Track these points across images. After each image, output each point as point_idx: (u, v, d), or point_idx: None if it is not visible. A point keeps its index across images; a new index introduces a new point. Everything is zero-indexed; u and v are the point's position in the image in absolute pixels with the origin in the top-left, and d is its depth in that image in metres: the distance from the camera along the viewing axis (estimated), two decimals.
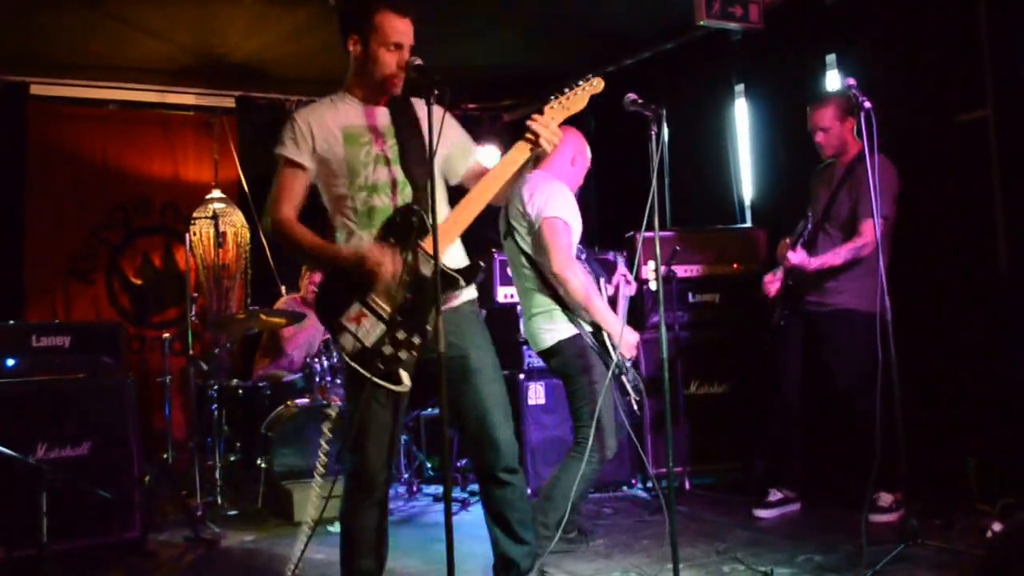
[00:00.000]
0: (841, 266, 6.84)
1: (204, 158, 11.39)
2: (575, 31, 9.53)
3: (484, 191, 4.47)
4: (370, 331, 4.28)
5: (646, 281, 8.20)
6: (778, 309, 7.26)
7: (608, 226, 10.48)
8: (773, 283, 7.30)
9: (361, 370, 4.25)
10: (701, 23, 8.43)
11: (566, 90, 4.62)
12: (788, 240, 7.14)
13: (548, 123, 4.49)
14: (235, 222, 10.80)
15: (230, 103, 11.42)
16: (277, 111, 11.27)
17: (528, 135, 4.47)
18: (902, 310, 6.06)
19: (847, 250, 6.82)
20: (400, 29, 4.43)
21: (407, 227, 4.35)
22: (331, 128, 4.47)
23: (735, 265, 8.59)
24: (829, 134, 7.12)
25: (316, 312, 4.56)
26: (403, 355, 4.26)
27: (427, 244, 4.27)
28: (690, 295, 8.49)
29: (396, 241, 4.35)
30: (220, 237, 10.06)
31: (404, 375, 4.27)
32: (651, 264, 8.03)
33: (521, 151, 4.48)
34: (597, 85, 4.72)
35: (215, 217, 9.84)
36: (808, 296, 7.10)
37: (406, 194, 4.44)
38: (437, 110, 4.35)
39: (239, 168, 11.33)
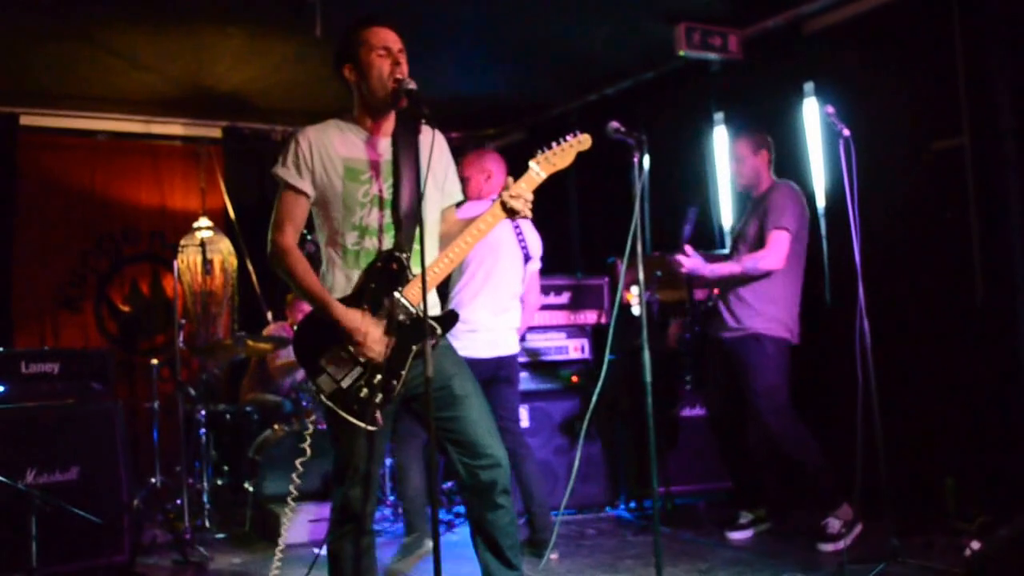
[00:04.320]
0: (741, 277, 6.89)
1: (191, 187, 11.44)
2: (558, 61, 9.55)
3: (459, 251, 4.45)
4: (348, 373, 4.29)
5: (628, 306, 8.18)
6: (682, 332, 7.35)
7: (589, 252, 10.51)
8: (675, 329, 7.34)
9: (337, 410, 4.27)
10: (681, 54, 8.48)
11: (553, 144, 4.53)
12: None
13: (521, 193, 4.42)
14: (222, 250, 10.81)
15: (217, 133, 11.48)
16: (263, 141, 11.42)
17: (505, 208, 4.42)
18: (881, 334, 6.06)
19: (748, 259, 6.86)
20: (385, 36, 4.44)
21: (388, 274, 4.37)
22: (334, 159, 4.41)
23: (715, 290, 8.55)
24: (742, 164, 7.17)
25: (295, 351, 4.54)
26: (378, 398, 4.28)
27: (407, 291, 4.33)
28: (668, 318, 8.45)
29: (377, 287, 4.36)
30: (207, 264, 10.02)
31: (378, 415, 4.28)
32: (634, 289, 8.02)
33: (496, 218, 4.44)
34: (584, 142, 4.57)
35: (203, 245, 9.81)
36: (722, 328, 7.10)
37: (393, 238, 4.44)
38: (440, 141, 4.52)
39: (226, 196, 11.35)
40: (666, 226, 8.91)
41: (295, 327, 5.05)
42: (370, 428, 4.27)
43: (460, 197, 4.86)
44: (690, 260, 6.98)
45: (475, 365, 5.37)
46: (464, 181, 6.34)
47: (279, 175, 4.45)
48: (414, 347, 4.31)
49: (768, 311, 6.82)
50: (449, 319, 4.45)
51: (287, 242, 4.42)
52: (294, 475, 4.84)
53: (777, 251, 6.74)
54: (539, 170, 4.48)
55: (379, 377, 4.29)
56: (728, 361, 7.06)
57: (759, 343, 6.82)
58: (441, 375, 4.41)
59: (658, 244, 8.47)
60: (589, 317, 8.49)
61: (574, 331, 8.47)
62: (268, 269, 4.55)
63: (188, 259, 10.58)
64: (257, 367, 9.60)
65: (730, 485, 7.63)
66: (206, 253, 9.82)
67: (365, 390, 4.28)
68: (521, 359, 8.13)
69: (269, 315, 10.27)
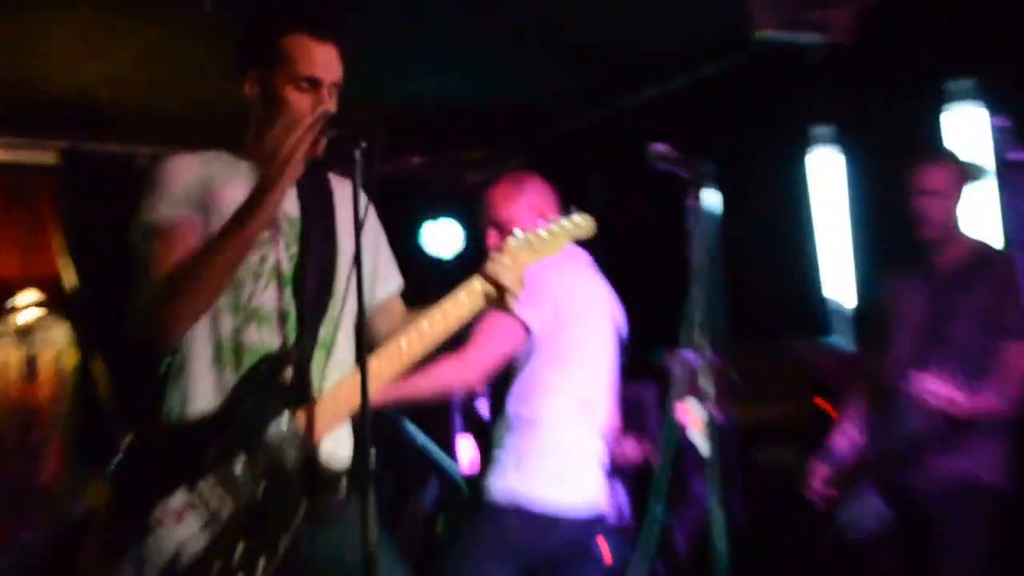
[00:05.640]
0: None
1: (7, 242, 11.23)
2: (573, 51, 9.48)
3: (411, 352, 4.34)
4: (196, 535, 3.91)
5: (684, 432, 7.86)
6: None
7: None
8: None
9: None
10: (760, 35, 8.22)
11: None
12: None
13: (511, 267, 4.40)
14: (54, 340, 10.60)
15: (50, 159, 11.27)
16: (120, 170, 11.13)
17: (487, 282, 4.43)
18: None
19: (1002, 387, 6.31)
20: (318, 58, 4.30)
21: (275, 390, 4.12)
22: (220, 201, 4.18)
23: (818, 400, 8.32)
24: (937, 198, 6.73)
25: (114, 497, 4.18)
26: None
27: (302, 417, 4.16)
28: (752, 451, 8.21)
29: (255, 406, 4.07)
30: (31, 364, 9.85)
31: None
32: (691, 403, 7.71)
33: (468, 304, 4.39)
34: (585, 225, 4.73)
35: (24, 333, 9.61)
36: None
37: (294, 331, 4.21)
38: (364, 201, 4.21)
39: (63, 256, 11.11)
40: (740, 300, 8.68)
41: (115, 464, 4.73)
42: None
43: (399, 282, 4.85)
44: (942, 386, 6.32)
45: (557, 529, 5.34)
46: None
47: (143, 220, 4.17)
48: (302, 506, 4.08)
49: (987, 444, 6.49)
50: (362, 468, 4.05)
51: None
52: None
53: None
54: (521, 257, 4.49)
55: (243, 546, 3.96)
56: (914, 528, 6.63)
57: (974, 495, 6.45)
58: (336, 567, 4.14)
59: (731, 330, 8.21)
60: (626, 450, 8.11)
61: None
62: (127, 371, 4.30)
63: None
64: None
65: None
66: (30, 346, 9.63)
67: (220, 564, 3.92)
68: None
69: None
